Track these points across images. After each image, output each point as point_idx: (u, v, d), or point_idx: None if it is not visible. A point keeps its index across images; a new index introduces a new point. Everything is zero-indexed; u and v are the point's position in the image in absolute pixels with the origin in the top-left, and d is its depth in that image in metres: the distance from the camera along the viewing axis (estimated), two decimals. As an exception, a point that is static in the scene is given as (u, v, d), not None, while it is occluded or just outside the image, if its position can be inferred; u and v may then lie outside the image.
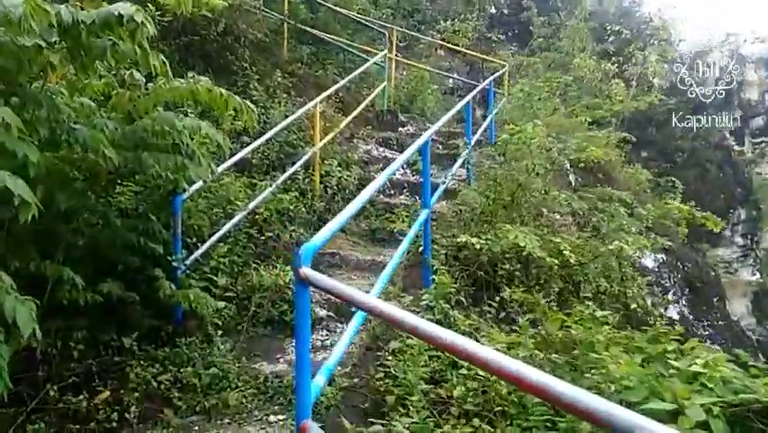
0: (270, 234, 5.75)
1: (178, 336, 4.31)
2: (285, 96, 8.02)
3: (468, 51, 11.07)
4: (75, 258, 4.08)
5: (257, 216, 5.75)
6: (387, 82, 9.58)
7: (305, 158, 6.64)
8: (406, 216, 6.80)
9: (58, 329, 3.92)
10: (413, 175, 7.91)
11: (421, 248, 5.09)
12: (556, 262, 4.55)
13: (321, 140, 6.97)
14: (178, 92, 4.04)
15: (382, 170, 7.65)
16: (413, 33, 11.01)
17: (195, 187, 4.68)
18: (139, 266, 4.36)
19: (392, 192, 7.45)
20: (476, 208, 5.31)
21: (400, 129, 9.29)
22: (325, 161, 7.01)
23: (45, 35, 2.95)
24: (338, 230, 3.17)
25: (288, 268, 5.15)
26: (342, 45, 10.48)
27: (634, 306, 5.08)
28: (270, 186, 6.04)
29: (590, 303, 4.18)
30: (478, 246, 4.19)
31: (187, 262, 4.59)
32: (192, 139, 4.27)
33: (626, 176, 10.09)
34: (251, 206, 5.57)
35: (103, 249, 4.19)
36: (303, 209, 6.30)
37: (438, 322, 3.72)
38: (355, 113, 8.11)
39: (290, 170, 6.41)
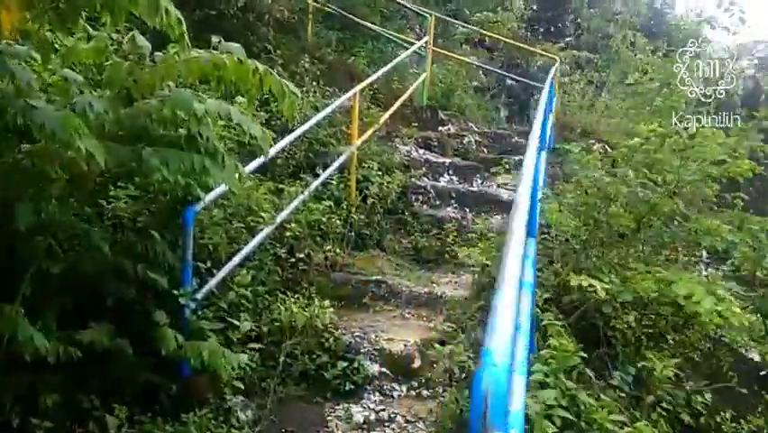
0: (301, 254, 4.59)
1: (184, 398, 3.17)
2: (314, 84, 6.85)
3: (517, 44, 9.90)
4: (48, 290, 2.95)
5: (285, 232, 4.60)
6: (426, 74, 8.41)
7: (341, 159, 5.48)
8: (456, 235, 5.67)
9: (17, 394, 2.78)
10: (460, 182, 6.75)
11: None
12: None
13: (358, 138, 5.82)
14: (198, 65, 2.88)
15: (426, 176, 6.56)
16: (454, 21, 9.86)
17: (213, 194, 3.52)
18: (134, 298, 3.21)
19: (438, 203, 6.29)
20: (573, 234, 4.14)
21: (440, 128, 8.13)
22: (363, 164, 5.85)
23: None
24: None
25: (327, 303, 4.02)
26: (375, 31, 9.30)
27: None
28: (300, 193, 4.89)
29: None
30: (601, 292, 3.02)
31: (200, 296, 3.44)
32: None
33: None
34: (280, 218, 4.42)
35: (86, 279, 3.04)
36: (337, 222, 5.14)
37: (561, 407, 2.56)
38: (394, 107, 6.95)
39: (325, 173, 5.26)
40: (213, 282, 3.56)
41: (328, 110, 5.23)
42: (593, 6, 15.05)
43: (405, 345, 3.72)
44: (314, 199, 5.14)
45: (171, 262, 3.32)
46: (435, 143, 7.54)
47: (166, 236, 3.37)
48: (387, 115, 6.65)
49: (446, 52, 9.70)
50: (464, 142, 7.89)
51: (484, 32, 10.09)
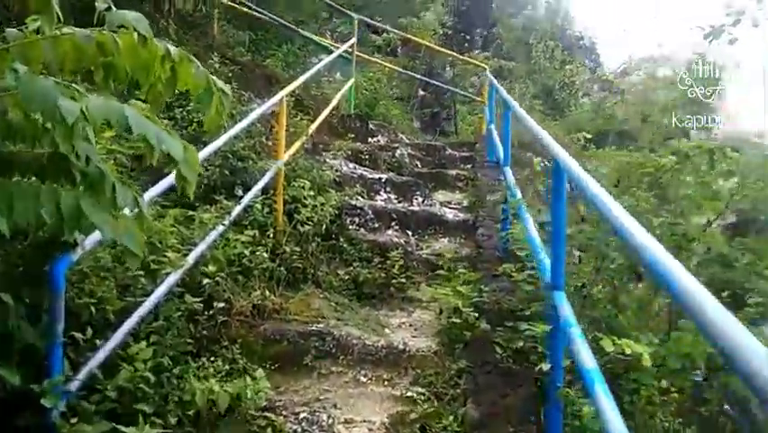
0: (220, 302, 3.57)
1: None
2: (227, 87, 5.79)
3: (444, 50, 9.30)
4: None
5: (199, 273, 3.56)
6: (353, 80, 7.57)
7: (266, 177, 4.50)
8: (401, 264, 4.85)
9: None
10: (399, 201, 5.95)
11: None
12: None
13: (285, 151, 4.87)
14: (74, 46, 1.88)
15: (361, 194, 5.71)
16: (378, 25, 9.11)
17: (96, 235, 2.45)
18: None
19: (377, 225, 5.44)
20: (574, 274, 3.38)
21: (370, 139, 7.32)
22: (292, 183, 4.90)
23: None
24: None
25: (258, 372, 3.04)
26: (290, 32, 8.35)
27: None
28: (217, 220, 3.88)
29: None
30: (646, 361, 2.27)
31: (75, 386, 2.36)
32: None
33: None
34: (192, 256, 3.39)
35: None
36: (264, 255, 4.16)
37: None
38: (323, 116, 6.06)
39: (248, 195, 4.26)
40: (94, 362, 2.49)
41: (252, 117, 4.23)
42: (509, 17, 15.00)
43: (369, 431, 2.83)
44: (234, 228, 4.14)
45: (31, 339, 2.23)
46: (366, 157, 6.71)
47: (23, 302, 2.27)
48: (315, 124, 5.75)
49: (372, 58, 8.94)
50: (396, 155, 7.12)
51: (411, 36, 9.42)
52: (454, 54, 9.46)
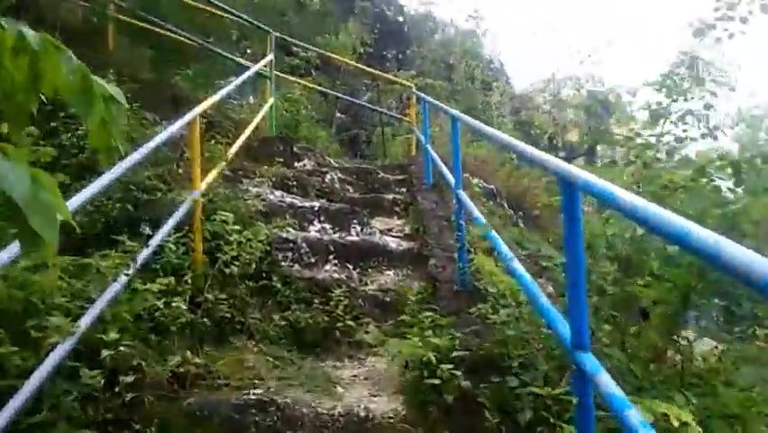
0: (128, 375, 2.78)
1: None
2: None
3: (369, 69, 8.79)
4: None
5: (97, 339, 2.76)
6: (272, 101, 6.89)
7: (182, 210, 3.73)
8: (346, 304, 4.23)
9: None
10: (335, 231, 5.31)
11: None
12: None
13: (202, 179, 4.13)
14: None
15: (293, 226, 5.03)
16: (296, 42, 8.48)
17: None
18: None
19: (313, 260, 4.77)
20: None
21: (296, 164, 6.65)
22: (212, 216, 4.14)
23: None
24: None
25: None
26: (200, 48, 7.56)
27: None
28: (119, 267, 3.08)
29: None
30: (695, 431, 1.78)
31: None
32: None
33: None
34: (88, 318, 2.59)
35: None
36: (182, 307, 3.39)
37: None
38: (242, 139, 5.35)
39: (160, 234, 3.47)
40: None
41: (159, 139, 3.47)
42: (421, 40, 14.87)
43: None
44: (142, 276, 3.34)
45: None
46: (294, 183, 6.03)
47: None
48: (234, 148, 5.02)
49: (292, 78, 8.31)
50: (326, 179, 6.50)
51: (331, 54, 8.87)
52: (379, 73, 9.01)
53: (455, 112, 4.38)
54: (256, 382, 3.27)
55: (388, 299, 4.47)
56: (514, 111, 18.16)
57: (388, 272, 4.94)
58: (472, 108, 11.06)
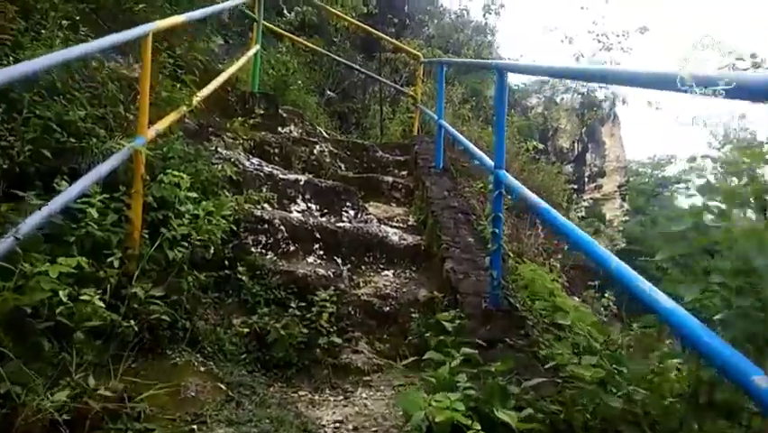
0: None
1: None
2: (65, 30, 3.78)
3: (374, 31, 7.63)
4: None
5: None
6: (258, 49, 5.71)
7: (113, 161, 2.61)
8: (332, 312, 3.17)
9: None
10: (323, 213, 4.22)
11: None
12: None
13: (151, 125, 3.00)
14: None
15: (271, 202, 3.94)
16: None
17: None
18: None
19: (292, 249, 3.68)
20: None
21: (280, 129, 5.51)
22: (160, 176, 3.01)
23: None
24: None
25: None
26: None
27: None
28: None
29: None
30: None
31: None
32: None
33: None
34: None
35: None
36: (96, 303, 2.28)
37: None
38: (214, 84, 4.20)
39: (75, 187, 2.35)
40: None
41: (92, 46, 2.34)
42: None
43: None
44: (46, 251, 2.23)
45: None
46: (276, 151, 4.92)
47: None
48: (203, 93, 3.88)
49: (282, 32, 7.13)
50: (315, 151, 5.38)
51: (333, 10, 7.69)
52: (386, 38, 7.86)
53: (502, 62, 3.29)
54: (195, 425, 2.18)
55: (385, 309, 3.41)
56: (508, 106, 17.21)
57: (386, 272, 3.88)
58: (477, 91, 10.00)
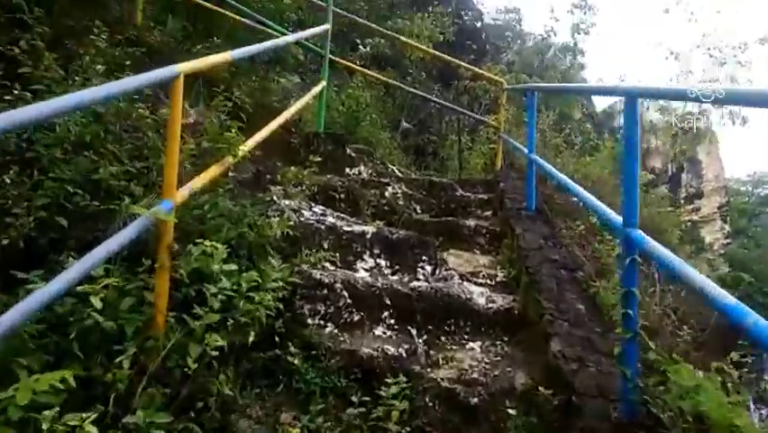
0: None
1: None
2: (100, 75, 3.44)
3: (450, 58, 7.03)
4: None
5: None
6: (323, 86, 5.25)
7: (126, 234, 2.10)
8: (404, 411, 2.50)
9: None
10: (394, 272, 3.58)
11: None
12: None
13: (184, 184, 2.51)
14: None
15: (333, 261, 3.37)
16: (358, 18, 6.89)
17: None
18: None
19: (356, 318, 3.06)
20: None
21: (348, 170, 4.98)
22: (193, 243, 2.49)
23: None
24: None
25: None
26: (245, 24, 6.02)
27: None
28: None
29: None
30: None
31: None
32: None
33: None
34: None
35: None
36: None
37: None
38: (272, 127, 3.71)
39: (74, 268, 1.84)
40: None
41: (112, 88, 1.87)
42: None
43: None
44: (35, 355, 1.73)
45: None
46: (342, 196, 4.37)
47: None
48: (257, 138, 3.39)
49: (350, 64, 6.69)
50: (386, 194, 4.79)
51: (408, 41, 7.17)
52: (465, 65, 7.20)
53: (633, 86, 2.54)
54: None
55: (472, 400, 2.69)
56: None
57: (471, 345, 3.17)
58: (568, 117, 9.14)
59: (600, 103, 19.97)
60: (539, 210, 4.42)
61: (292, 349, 2.71)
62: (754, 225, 24.50)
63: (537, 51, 10.55)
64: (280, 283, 2.68)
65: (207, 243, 2.37)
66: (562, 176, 3.69)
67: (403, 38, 7.04)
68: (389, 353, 2.79)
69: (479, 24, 14.91)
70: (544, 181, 5.06)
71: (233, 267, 2.44)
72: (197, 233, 2.64)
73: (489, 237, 4.54)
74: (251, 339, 2.47)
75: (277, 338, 2.74)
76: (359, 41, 9.00)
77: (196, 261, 2.36)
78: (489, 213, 5.08)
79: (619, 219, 2.28)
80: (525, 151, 4.64)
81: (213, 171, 2.82)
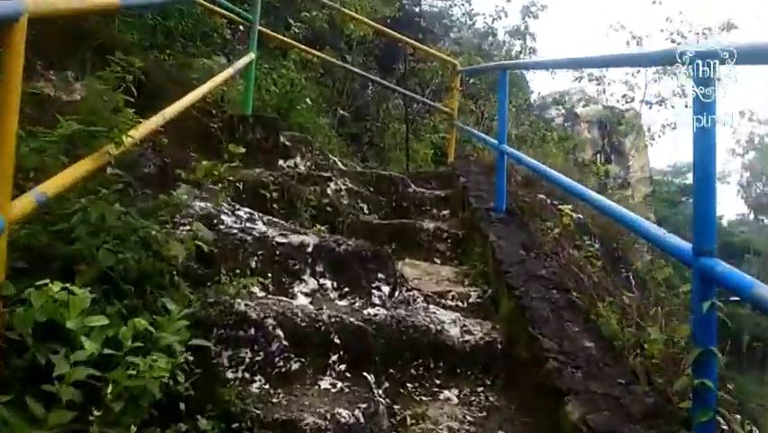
0: None
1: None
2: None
3: (401, 36, 6.20)
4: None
5: None
6: (251, 58, 4.34)
7: None
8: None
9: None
10: (342, 295, 2.79)
11: None
12: None
13: (32, 188, 1.62)
14: None
15: (263, 285, 2.54)
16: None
17: None
18: None
19: (295, 366, 2.26)
20: None
21: (281, 162, 4.13)
22: (28, 290, 1.61)
23: None
24: None
25: None
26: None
27: None
28: None
29: None
30: None
31: None
32: None
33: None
34: None
35: None
36: None
37: None
38: (177, 107, 2.82)
39: None
40: None
41: None
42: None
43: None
44: None
45: None
46: (275, 195, 3.51)
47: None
48: (155, 121, 2.51)
49: (284, 38, 5.80)
50: (329, 191, 3.98)
51: (348, 12, 6.31)
52: (414, 43, 6.43)
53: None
54: None
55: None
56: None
57: (446, 394, 2.45)
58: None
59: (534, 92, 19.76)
60: (510, 212, 3.75)
61: (203, 423, 1.89)
62: (674, 212, 25.42)
63: (485, 34, 9.98)
64: (185, 332, 1.84)
65: (56, 286, 1.50)
66: (546, 169, 3.00)
67: (344, 9, 6.18)
68: (341, 421, 2.01)
69: (417, 9, 14.22)
70: (510, 179, 4.39)
71: (103, 321, 1.57)
72: (58, 260, 1.76)
73: (451, 243, 3.84)
74: (138, 418, 1.63)
75: (182, 406, 1.91)
76: (292, 20, 8.07)
77: (39, 313, 1.49)
78: (447, 213, 4.39)
79: (686, 246, 1.58)
80: (495, 141, 3.93)
81: (83, 167, 1.93)
